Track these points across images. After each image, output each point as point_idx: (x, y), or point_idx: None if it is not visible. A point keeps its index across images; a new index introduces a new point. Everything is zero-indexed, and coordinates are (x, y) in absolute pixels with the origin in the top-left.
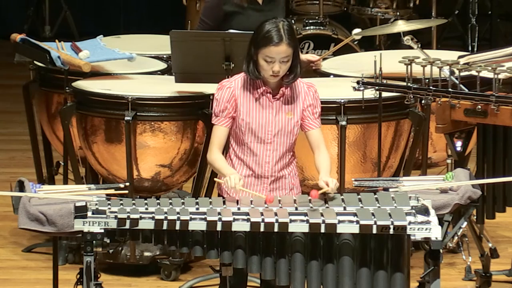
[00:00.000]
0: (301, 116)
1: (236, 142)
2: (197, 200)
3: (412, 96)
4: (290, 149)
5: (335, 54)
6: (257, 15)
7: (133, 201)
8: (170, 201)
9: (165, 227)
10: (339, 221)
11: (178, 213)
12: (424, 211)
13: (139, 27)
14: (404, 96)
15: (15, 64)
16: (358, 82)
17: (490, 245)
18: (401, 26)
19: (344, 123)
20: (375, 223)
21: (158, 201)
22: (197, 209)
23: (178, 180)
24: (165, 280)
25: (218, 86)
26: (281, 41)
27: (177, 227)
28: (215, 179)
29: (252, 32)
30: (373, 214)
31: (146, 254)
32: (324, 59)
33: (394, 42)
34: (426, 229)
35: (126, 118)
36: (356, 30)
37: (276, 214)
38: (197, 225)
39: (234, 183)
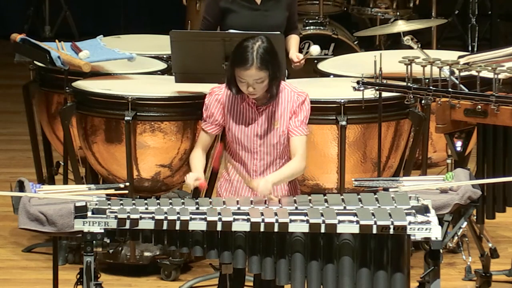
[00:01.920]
0: (287, 125)
1: (229, 148)
2: (197, 200)
3: (412, 96)
4: (281, 157)
5: (335, 54)
6: (252, 14)
7: (133, 201)
8: (170, 201)
9: (165, 227)
10: (339, 221)
11: (178, 213)
12: (424, 211)
13: (139, 27)
14: (404, 96)
15: (15, 64)
16: (358, 82)
17: (490, 245)
18: (401, 26)
19: (344, 123)
20: (375, 223)
21: (158, 201)
22: (197, 209)
23: (178, 180)
24: (165, 280)
25: (209, 91)
26: (251, 65)
27: (177, 227)
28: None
29: (249, 31)
30: (373, 214)
31: (146, 254)
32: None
33: (394, 42)
34: (426, 229)
35: (126, 118)
36: (314, 48)
37: (276, 214)
38: (197, 225)
39: (187, 182)
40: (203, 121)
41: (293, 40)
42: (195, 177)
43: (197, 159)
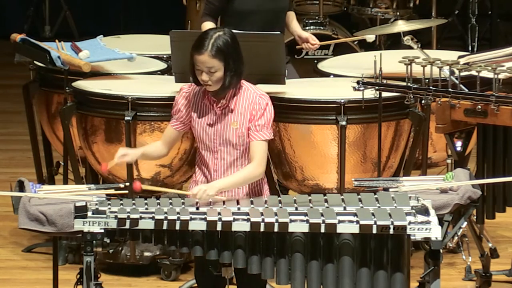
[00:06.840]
0: (246, 126)
1: (197, 148)
2: (197, 200)
3: (412, 96)
4: (243, 157)
5: (335, 54)
6: None
7: (133, 201)
8: (170, 201)
9: (165, 227)
10: (339, 221)
11: (178, 213)
12: (424, 211)
13: (139, 27)
14: (404, 96)
15: (15, 64)
16: (358, 82)
17: (490, 245)
18: (401, 26)
19: (344, 123)
20: (375, 223)
21: (158, 201)
22: (197, 209)
23: (178, 180)
24: (165, 280)
25: (180, 88)
26: (204, 51)
27: (177, 227)
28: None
29: (248, 33)
30: (373, 214)
31: (146, 254)
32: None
33: (394, 42)
34: (426, 229)
35: (126, 118)
36: (369, 36)
37: (276, 214)
38: (197, 225)
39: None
40: (171, 116)
41: (292, 16)
42: (123, 152)
43: (148, 146)
